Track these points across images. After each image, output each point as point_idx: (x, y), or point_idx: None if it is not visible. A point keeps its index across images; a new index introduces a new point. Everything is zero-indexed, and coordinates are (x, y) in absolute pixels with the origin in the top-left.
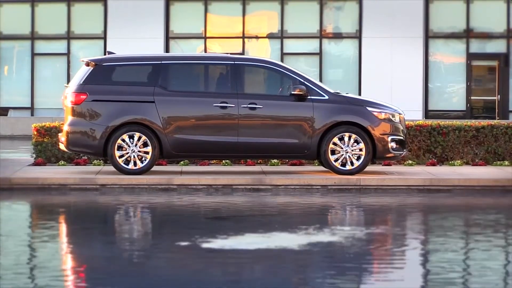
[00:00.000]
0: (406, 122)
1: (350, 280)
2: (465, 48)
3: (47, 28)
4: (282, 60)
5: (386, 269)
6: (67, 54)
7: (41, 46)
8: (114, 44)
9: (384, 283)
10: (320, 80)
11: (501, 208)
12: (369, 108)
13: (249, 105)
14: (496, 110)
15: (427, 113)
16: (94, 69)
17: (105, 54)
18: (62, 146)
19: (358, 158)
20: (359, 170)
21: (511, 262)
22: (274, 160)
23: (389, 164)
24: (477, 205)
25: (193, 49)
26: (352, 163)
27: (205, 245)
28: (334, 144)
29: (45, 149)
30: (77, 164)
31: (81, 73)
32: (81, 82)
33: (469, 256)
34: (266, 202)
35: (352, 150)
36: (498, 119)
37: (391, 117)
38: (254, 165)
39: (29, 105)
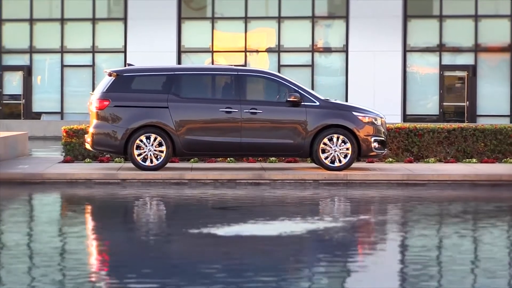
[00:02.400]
0: (387, 125)
1: (338, 260)
2: (438, 60)
3: (75, 43)
4: (279, 71)
5: (369, 251)
6: (92, 65)
7: (69, 59)
8: (133, 57)
9: (368, 262)
10: (312, 88)
11: (468, 200)
12: (354, 113)
13: (250, 110)
14: (465, 115)
15: (405, 117)
16: (115, 79)
17: (125, 66)
18: (88, 146)
19: (345, 156)
20: (346, 166)
21: (473, 243)
22: (272, 158)
23: (372, 162)
24: (448, 197)
25: (202, 61)
26: (340, 161)
27: (212, 232)
28: (324, 144)
29: (73, 148)
30: (101, 161)
31: (104, 82)
32: (105, 90)
33: (441, 239)
34: (265, 195)
35: (340, 149)
36: (467, 122)
37: (373, 120)
38: (255, 162)
39: (59, 110)
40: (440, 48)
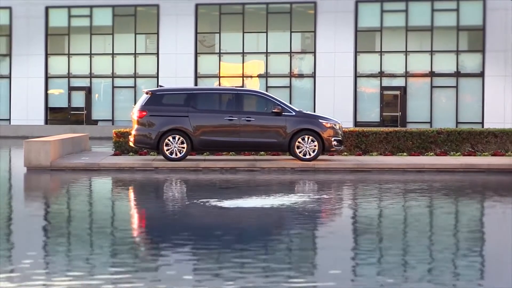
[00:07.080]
0: (343, 129)
1: (309, 223)
2: (379, 83)
3: (121, 70)
4: (266, 91)
5: (331, 218)
6: (134, 87)
7: (118, 82)
8: (163, 80)
9: (330, 226)
10: (290, 103)
11: (400, 181)
12: (320, 120)
13: (246, 118)
14: (398, 122)
15: (356, 123)
16: (151, 96)
17: (157, 87)
18: (131, 143)
19: (313, 151)
20: (314, 158)
21: (402, 207)
22: (262, 152)
23: (332, 155)
24: (386, 180)
25: (212, 83)
26: (310, 154)
27: (219, 204)
28: (299, 142)
29: (121, 145)
30: (141, 154)
31: (142, 98)
32: (143, 104)
33: (383, 209)
34: (257, 178)
35: (310, 146)
36: (399, 127)
37: (333, 125)
38: (250, 155)
39: (111, 118)
40: (381, 74)
